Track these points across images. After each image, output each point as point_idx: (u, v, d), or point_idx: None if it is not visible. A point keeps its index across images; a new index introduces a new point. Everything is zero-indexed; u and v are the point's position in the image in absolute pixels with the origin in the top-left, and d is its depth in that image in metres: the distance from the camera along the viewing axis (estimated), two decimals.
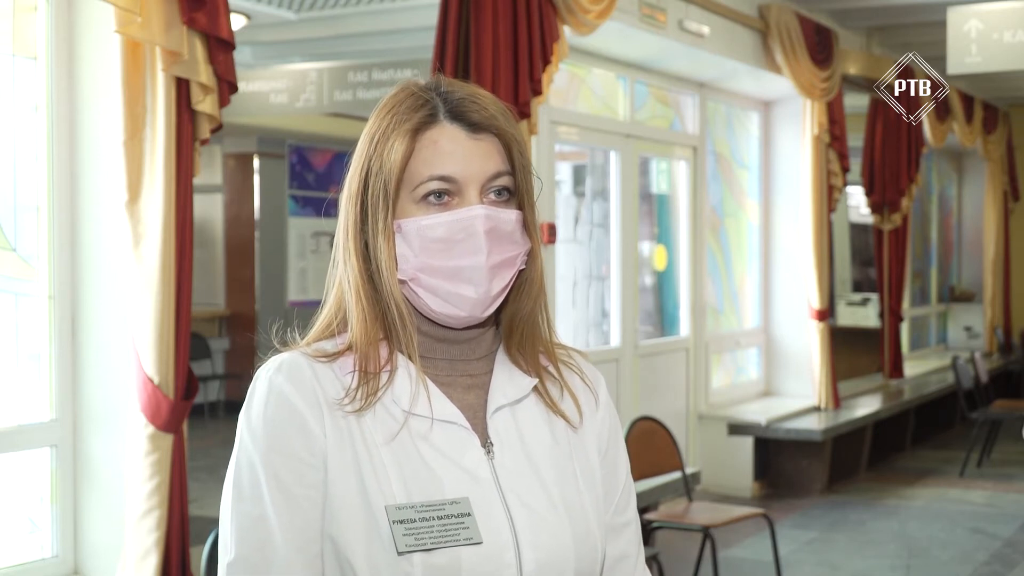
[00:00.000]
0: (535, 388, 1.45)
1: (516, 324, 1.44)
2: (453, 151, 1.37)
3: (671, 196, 7.94)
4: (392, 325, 1.39)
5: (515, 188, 1.41)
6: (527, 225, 1.42)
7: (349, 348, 1.39)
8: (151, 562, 3.69)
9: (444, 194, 1.37)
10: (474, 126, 1.38)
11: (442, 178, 1.36)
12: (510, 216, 1.39)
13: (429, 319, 1.41)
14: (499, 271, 1.38)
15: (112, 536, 3.88)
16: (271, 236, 10.84)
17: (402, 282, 1.39)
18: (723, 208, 8.34)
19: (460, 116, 1.39)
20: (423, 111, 1.39)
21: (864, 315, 11.60)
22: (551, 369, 1.47)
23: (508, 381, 1.43)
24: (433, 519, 1.31)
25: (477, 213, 1.36)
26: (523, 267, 1.42)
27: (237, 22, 6.25)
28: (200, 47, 3.63)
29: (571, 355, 1.53)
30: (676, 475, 5.60)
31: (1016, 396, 11.45)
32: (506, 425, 1.41)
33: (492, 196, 1.39)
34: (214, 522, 1.41)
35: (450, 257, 1.36)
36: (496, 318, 1.44)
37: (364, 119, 1.48)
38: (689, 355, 7.79)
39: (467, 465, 1.36)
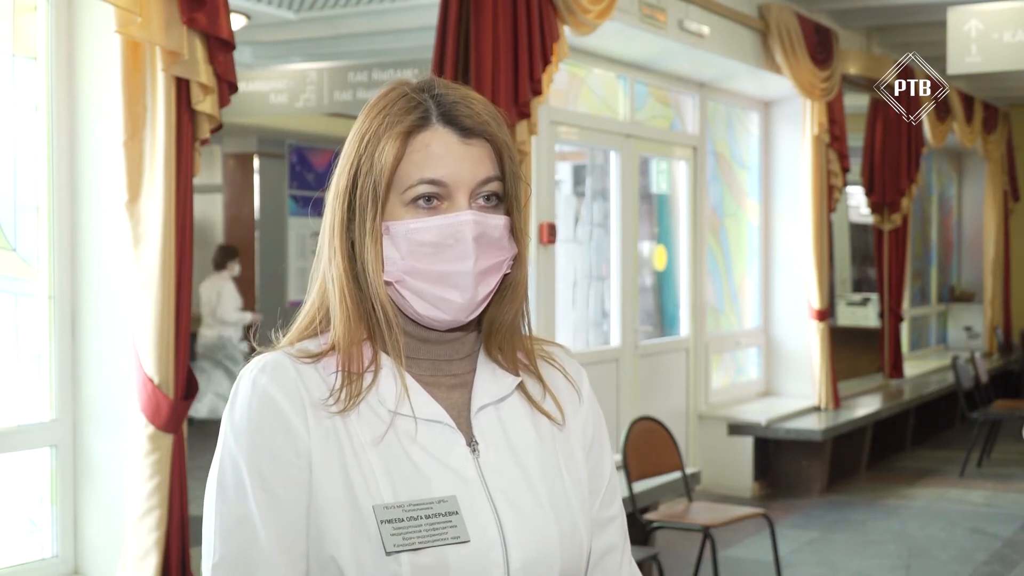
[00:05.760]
0: (518, 386, 1.45)
1: (496, 327, 1.45)
2: (444, 155, 1.37)
3: (671, 196, 7.94)
4: (377, 325, 1.39)
5: (504, 194, 1.41)
6: (514, 231, 1.42)
7: (332, 348, 1.39)
8: (151, 562, 3.69)
9: (433, 198, 1.37)
10: (466, 131, 1.38)
11: (432, 182, 1.36)
12: (498, 222, 1.39)
13: (413, 320, 1.41)
14: (485, 277, 1.38)
15: (112, 536, 3.88)
16: (271, 236, 10.84)
17: (387, 283, 1.39)
18: (723, 208, 8.34)
19: (453, 120, 1.38)
20: (416, 113, 1.38)
21: (864, 315, 11.60)
22: (531, 368, 1.48)
23: (491, 380, 1.44)
24: (421, 518, 1.31)
25: (466, 219, 1.36)
26: (508, 271, 1.42)
27: (237, 22, 6.25)
28: (200, 47, 3.63)
29: (551, 351, 1.53)
30: (676, 475, 5.60)
31: (1016, 396, 11.45)
32: (491, 423, 1.42)
33: (481, 201, 1.38)
34: None
35: (437, 261, 1.36)
36: (478, 320, 1.44)
37: None
38: (689, 355, 7.79)
39: (453, 464, 1.37)
